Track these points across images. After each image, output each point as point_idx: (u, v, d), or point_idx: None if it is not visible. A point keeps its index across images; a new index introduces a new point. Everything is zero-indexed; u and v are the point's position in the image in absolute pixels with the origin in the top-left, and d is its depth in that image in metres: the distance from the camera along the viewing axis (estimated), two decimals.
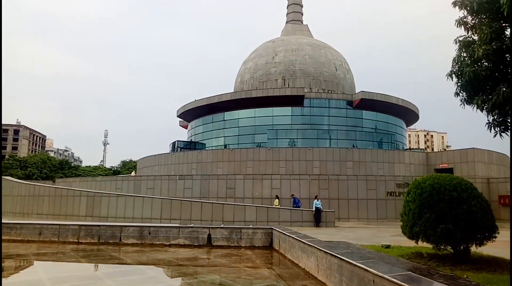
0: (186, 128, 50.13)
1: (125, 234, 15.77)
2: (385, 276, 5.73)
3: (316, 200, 21.82)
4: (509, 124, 8.40)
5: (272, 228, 15.46)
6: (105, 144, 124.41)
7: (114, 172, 75.59)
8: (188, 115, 45.97)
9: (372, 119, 40.02)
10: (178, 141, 44.54)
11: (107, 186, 30.98)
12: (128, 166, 76.09)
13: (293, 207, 22.28)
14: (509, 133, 8.49)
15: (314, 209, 21.52)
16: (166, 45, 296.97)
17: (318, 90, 40.80)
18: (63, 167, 71.89)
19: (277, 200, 23.09)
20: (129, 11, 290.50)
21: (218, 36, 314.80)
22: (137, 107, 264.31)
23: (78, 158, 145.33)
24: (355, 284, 6.78)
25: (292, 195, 23.56)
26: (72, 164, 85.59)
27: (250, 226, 16.43)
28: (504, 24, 8.35)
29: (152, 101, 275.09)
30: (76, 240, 15.63)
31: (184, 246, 15.25)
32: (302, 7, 52.55)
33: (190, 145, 44.13)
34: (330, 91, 40.96)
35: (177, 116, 48.72)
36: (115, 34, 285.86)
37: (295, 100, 37.73)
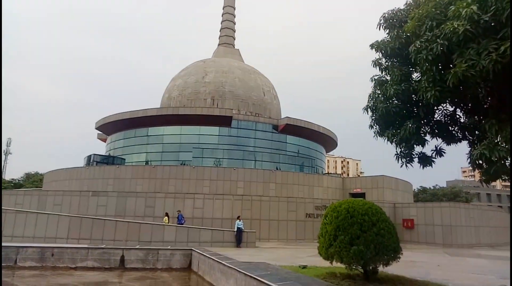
0: (105, 142, 47.04)
1: (22, 256, 13.95)
2: None
3: (238, 220, 21.86)
4: (413, 156, 9.47)
5: (192, 250, 15.01)
6: (6, 153, 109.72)
7: (15, 185, 67.11)
8: (108, 128, 43.27)
9: (295, 143, 41.92)
10: (94, 154, 41.44)
11: (4, 201, 27.28)
12: (33, 179, 68.20)
13: (177, 224, 21.95)
14: (413, 165, 9.54)
15: (236, 229, 21.50)
16: (90, 56, 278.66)
17: (246, 112, 41.68)
18: None
19: (166, 217, 22.45)
20: (52, 16, 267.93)
21: (146, 52, 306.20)
22: (50, 117, 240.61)
23: None
24: None
25: (178, 211, 23.15)
26: None
27: (169, 247, 15.75)
28: (411, 69, 9.52)
29: (68, 111, 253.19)
30: None
31: (93, 269, 13.97)
32: (234, 31, 54.02)
33: (107, 160, 41.32)
34: (257, 115, 42.10)
35: (96, 128, 45.54)
36: (34, 38, 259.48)
37: (223, 121, 37.98)
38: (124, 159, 40.21)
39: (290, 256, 16.37)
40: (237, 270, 9.13)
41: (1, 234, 12.59)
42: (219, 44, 52.80)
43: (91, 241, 19.83)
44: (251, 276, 8.11)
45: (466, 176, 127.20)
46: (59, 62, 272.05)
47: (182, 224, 22.05)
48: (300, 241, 25.44)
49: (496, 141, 7.41)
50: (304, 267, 12.32)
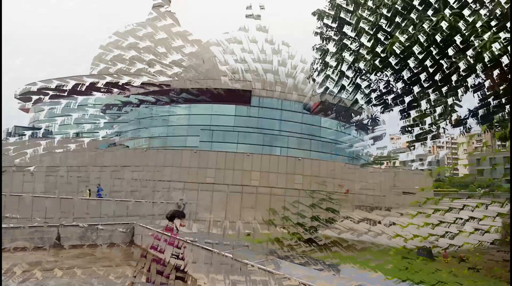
0: (28, 112, 42.76)
1: None
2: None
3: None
4: (351, 124, 9.93)
5: (134, 223, 14.60)
6: None
7: None
8: (32, 97, 39.20)
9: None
10: (15, 126, 37.56)
11: None
12: None
13: (96, 197, 21.74)
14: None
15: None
16: (19, 22, 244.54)
17: (185, 81, 40.17)
18: None
19: (88, 191, 21.85)
20: None
21: (77, 17, 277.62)
22: None
23: None
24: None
25: (98, 185, 22.75)
26: None
27: (109, 222, 15.15)
28: (352, 38, 9.78)
29: None
30: None
31: (24, 249, 12.96)
32: None
33: (32, 132, 37.74)
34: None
35: (16, 98, 41.03)
36: None
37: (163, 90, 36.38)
38: (51, 131, 37.08)
39: (237, 225, 16.72)
40: (185, 241, 9.08)
41: (1, 229, 11.17)
42: (153, 7, 49.53)
43: (18, 221, 18.30)
44: (200, 246, 8.13)
45: (393, 143, 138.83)
46: None
47: (101, 196, 21.44)
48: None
49: (425, 109, 8.03)
50: (249, 234, 12.71)
